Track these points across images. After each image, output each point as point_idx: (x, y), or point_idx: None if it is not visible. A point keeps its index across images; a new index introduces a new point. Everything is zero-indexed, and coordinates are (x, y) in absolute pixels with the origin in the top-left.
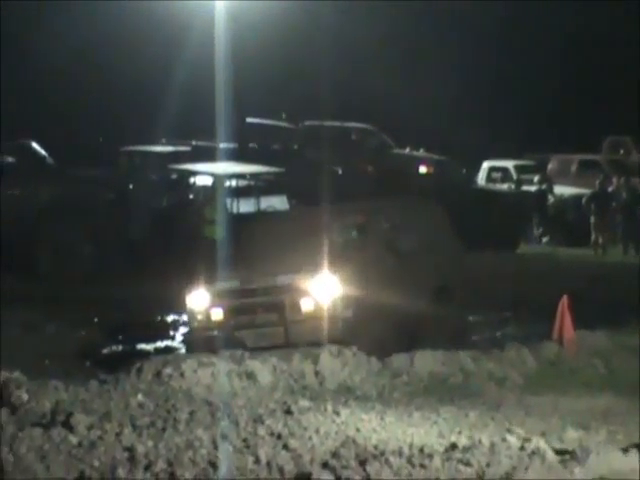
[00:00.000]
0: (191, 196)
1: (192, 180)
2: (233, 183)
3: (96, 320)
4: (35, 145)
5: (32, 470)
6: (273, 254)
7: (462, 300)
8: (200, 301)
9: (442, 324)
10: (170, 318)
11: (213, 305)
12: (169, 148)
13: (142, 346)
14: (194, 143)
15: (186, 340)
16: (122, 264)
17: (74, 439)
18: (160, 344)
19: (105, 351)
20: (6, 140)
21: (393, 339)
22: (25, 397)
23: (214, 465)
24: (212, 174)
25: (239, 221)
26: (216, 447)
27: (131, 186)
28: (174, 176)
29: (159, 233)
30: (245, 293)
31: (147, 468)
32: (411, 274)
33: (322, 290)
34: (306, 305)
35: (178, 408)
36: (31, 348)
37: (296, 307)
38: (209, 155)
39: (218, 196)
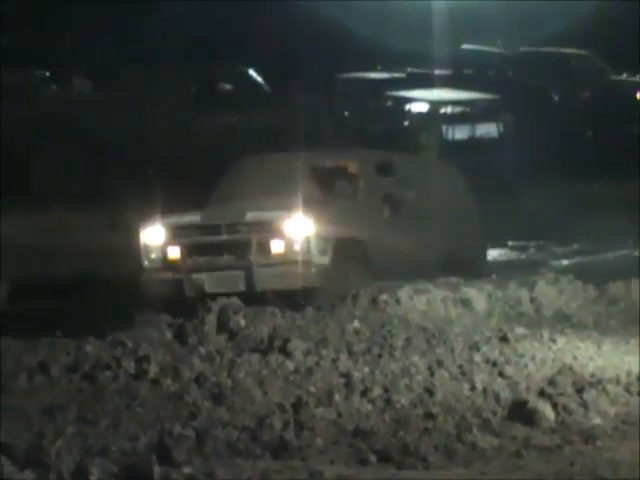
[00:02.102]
0: (406, 123)
1: (407, 107)
2: (448, 110)
3: None
4: (252, 72)
5: (250, 395)
6: (247, 194)
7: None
8: (155, 237)
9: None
10: None
11: (169, 242)
12: (384, 75)
13: None
14: (409, 70)
15: (137, 281)
16: None
17: (291, 365)
18: None
19: None
20: (224, 66)
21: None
22: (243, 323)
23: (430, 391)
24: (427, 101)
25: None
26: (432, 374)
27: (346, 113)
28: (389, 103)
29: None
30: (206, 230)
31: (363, 394)
32: (410, 233)
33: (296, 231)
34: (276, 247)
35: (394, 334)
36: None
37: (264, 248)
38: (424, 82)
39: (433, 123)
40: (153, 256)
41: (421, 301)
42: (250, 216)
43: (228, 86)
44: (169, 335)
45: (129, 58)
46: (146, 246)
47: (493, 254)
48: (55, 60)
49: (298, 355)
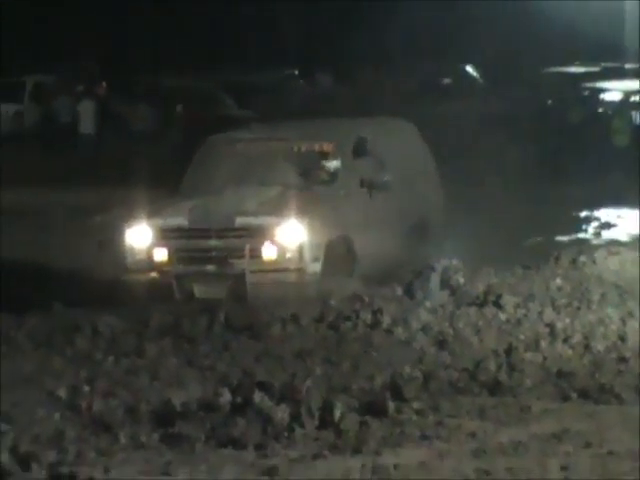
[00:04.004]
0: (600, 110)
1: (601, 96)
2: (638, 98)
3: None
4: (469, 68)
5: (468, 342)
6: (221, 181)
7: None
8: (140, 238)
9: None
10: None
11: (156, 244)
12: (582, 69)
13: (559, 238)
14: (603, 64)
15: (119, 281)
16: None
17: (503, 316)
18: (574, 236)
19: (527, 242)
20: (446, 64)
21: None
22: (462, 281)
23: (622, 339)
24: (619, 91)
25: None
26: (624, 323)
27: (549, 102)
28: (586, 93)
29: (574, 143)
30: (194, 234)
31: (565, 341)
32: (390, 215)
33: (289, 237)
34: (268, 253)
35: (590, 290)
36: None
37: (256, 255)
38: (616, 74)
39: (624, 110)
40: (138, 257)
41: (614, 261)
42: (240, 221)
43: (447, 80)
44: (399, 291)
45: (363, 57)
46: (131, 247)
47: None
48: (301, 60)
49: (509, 308)
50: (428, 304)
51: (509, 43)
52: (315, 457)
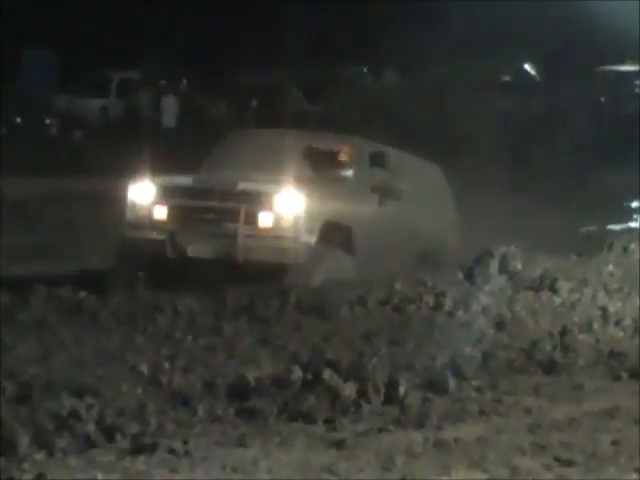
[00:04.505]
0: None
1: None
2: None
3: None
4: (527, 66)
5: (525, 323)
6: (239, 166)
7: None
8: (143, 195)
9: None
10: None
11: (157, 202)
12: (634, 67)
13: (612, 226)
14: None
15: (120, 238)
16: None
17: (558, 300)
18: (626, 225)
19: (582, 230)
20: (505, 62)
21: (360, 274)
22: (519, 266)
23: None
24: None
25: None
26: None
27: (602, 99)
28: (637, 90)
29: (628, 138)
30: (196, 193)
31: (617, 323)
32: (395, 225)
33: (286, 205)
34: (264, 219)
35: None
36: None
37: (252, 220)
38: None
39: None
40: (139, 214)
41: None
42: (242, 185)
43: (507, 78)
44: (460, 276)
45: (429, 55)
46: (133, 203)
47: None
48: (371, 57)
49: (564, 292)
50: (487, 288)
51: (564, 42)
52: (380, 431)
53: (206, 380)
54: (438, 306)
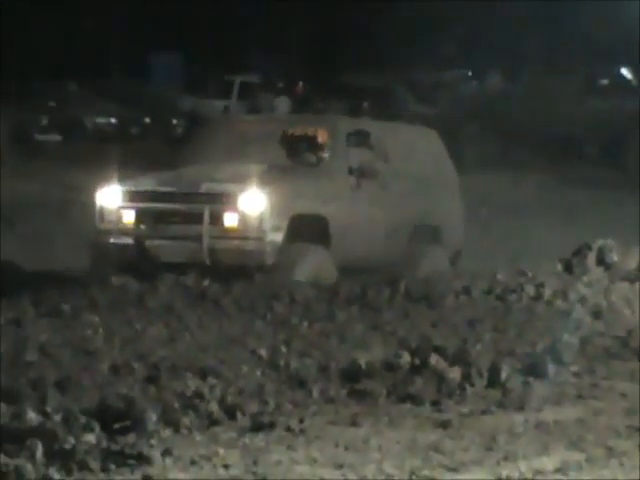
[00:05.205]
0: None
1: None
2: None
3: None
4: (624, 70)
5: (621, 312)
6: (211, 157)
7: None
8: (110, 199)
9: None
10: None
11: (124, 206)
12: None
13: None
14: None
15: (91, 245)
16: None
17: None
18: None
19: None
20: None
21: (333, 272)
22: (616, 258)
23: None
24: None
25: None
26: None
27: None
28: None
29: None
30: (161, 196)
31: None
32: (378, 207)
33: (249, 205)
34: (229, 220)
35: None
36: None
37: (217, 221)
38: None
39: None
40: (108, 219)
41: None
42: (205, 187)
43: (605, 81)
44: (559, 267)
45: (531, 59)
46: (101, 208)
47: None
48: (474, 62)
49: None
50: (585, 279)
51: None
52: (483, 412)
53: (320, 363)
54: (538, 296)
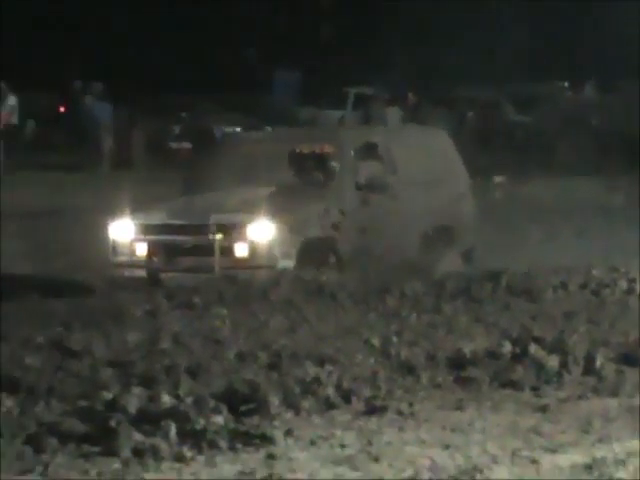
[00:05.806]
0: None
1: None
2: None
3: None
4: None
5: None
6: (214, 186)
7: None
8: (123, 233)
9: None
10: None
11: (137, 239)
12: None
13: None
14: None
15: (106, 277)
16: None
17: None
18: None
19: None
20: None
21: (348, 297)
22: None
23: None
24: None
25: None
26: None
27: None
28: None
29: None
30: (172, 229)
31: None
32: (389, 219)
33: (258, 235)
34: (239, 251)
35: None
36: None
37: (228, 252)
38: None
39: None
40: (121, 252)
41: None
42: (214, 218)
43: None
44: None
45: (628, 70)
46: (114, 242)
47: None
48: (573, 74)
49: None
50: None
51: None
52: (580, 398)
53: (429, 352)
54: (631, 290)
